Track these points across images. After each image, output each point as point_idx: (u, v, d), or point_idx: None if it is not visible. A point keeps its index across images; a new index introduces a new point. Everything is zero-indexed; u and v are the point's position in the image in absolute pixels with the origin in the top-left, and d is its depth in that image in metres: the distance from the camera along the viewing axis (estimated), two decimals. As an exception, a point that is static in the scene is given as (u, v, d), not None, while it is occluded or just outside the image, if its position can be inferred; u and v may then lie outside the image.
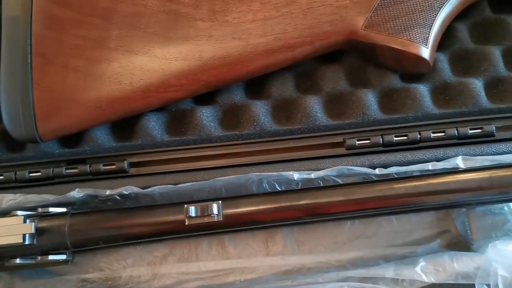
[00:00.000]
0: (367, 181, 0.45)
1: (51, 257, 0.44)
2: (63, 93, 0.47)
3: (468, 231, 0.48)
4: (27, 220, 0.43)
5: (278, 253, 0.49)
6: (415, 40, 0.48)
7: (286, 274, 0.48)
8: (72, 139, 0.50)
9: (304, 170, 0.47)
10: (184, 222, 0.43)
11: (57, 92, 0.47)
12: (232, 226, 0.43)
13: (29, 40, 0.47)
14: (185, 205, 0.43)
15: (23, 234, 0.42)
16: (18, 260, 0.43)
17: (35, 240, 0.42)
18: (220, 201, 0.43)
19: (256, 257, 0.49)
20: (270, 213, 0.43)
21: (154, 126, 0.50)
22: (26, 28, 0.47)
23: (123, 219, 0.44)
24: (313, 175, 0.47)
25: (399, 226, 0.49)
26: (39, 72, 0.47)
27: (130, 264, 0.50)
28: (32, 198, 0.46)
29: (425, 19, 0.48)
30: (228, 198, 0.44)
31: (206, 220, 0.42)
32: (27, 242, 0.42)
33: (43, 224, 0.43)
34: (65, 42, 0.47)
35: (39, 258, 0.44)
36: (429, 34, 0.48)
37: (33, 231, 0.42)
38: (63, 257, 0.44)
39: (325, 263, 0.48)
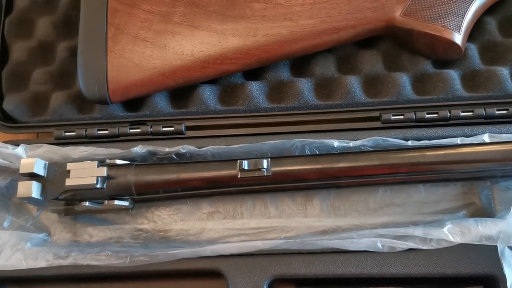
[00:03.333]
0: (401, 148, 0.50)
1: (116, 202, 0.49)
2: (132, 59, 0.53)
3: (492, 203, 0.52)
4: (100, 166, 0.48)
5: (316, 215, 0.54)
6: (449, 27, 0.53)
7: (323, 234, 0.53)
8: (134, 104, 0.56)
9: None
10: (237, 175, 0.48)
11: (127, 58, 0.53)
12: (278, 182, 0.48)
13: (105, 12, 0.53)
14: (238, 161, 0.48)
15: (97, 177, 0.47)
16: (87, 203, 0.49)
17: (105, 184, 0.48)
18: (269, 158, 0.48)
19: (295, 218, 0.54)
20: (312, 172, 0.48)
21: (208, 95, 0.56)
22: (103, 2, 0.53)
23: (182, 171, 0.49)
24: (351, 143, 0.52)
25: (427, 197, 0.54)
26: (113, 40, 0.53)
27: (180, 218, 0.55)
28: (101, 150, 0.52)
29: (459, 8, 0.53)
30: (276, 157, 0.49)
31: (256, 174, 0.48)
32: (98, 185, 0.47)
33: (112, 171, 0.49)
34: (136, 16, 0.54)
35: (106, 202, 0.49)
36: (461, 22, 0.53)
37: (105, 174, 0.47)
38: (126, 203, 0.50)
39: (358, 225, 0.53)
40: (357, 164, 0.48)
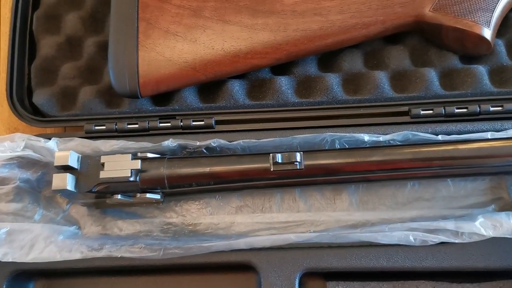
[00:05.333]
0: (433, 142, 0.50)
1: (148, 195, 0.49)
2: (163, 54, 0.53)
3: (521, 198, 0.52)
4: (133, 159, 0.48)
5: (344, 209, 0.54)
6: (479, 22, 0.53)
7: (352, 227, 0.53)
8: (163, 98, 0.57)
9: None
10: (270, 168, 0.48)
11: (158, 53, 0.53)
12: (311, 176, 0.49)
13: (136, 7, 0.53)
14: (271, 154, 0.48)
15: (131, 170, 0.47)
16: (119, 196, 0.49)
17: (138, 177, 0.48)
18: (301, 152, 0.48)
19: (324, 212, 0.54)
20: (345, 166, 0.49)
21: (237, 90, 0.56)
22: (134, -3, 0.54)
23: (215, 164, 0.49)
24: (381, 138, 0.52)
25: (456, 191, 0.54)
26: (144, 35, 0.53)
27: (209, 212, 0.55)
28: (132, 144, 0.52)
29: (488, 4, 0.53)
30: (308, 150, 0.49)
31: (289, 167, 0.48)
32: (132, 178, 0.48)
33: (145, 165, 0.49)
34: (167, 10, 0.54)
35: (138, 195, 0.49)
36: (491, 18, 0.53)
37: (139, 167, 0.48)
38: (157, 196, 0.50)
39: (387, 219, 0.53)
40: (391, 158, 0.49)
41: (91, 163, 0.49)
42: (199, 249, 0.48)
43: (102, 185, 0.48)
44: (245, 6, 0.54)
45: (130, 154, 0.49)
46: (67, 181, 0.47)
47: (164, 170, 0.49)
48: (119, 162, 0.48)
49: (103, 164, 0.48)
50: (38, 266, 0.50)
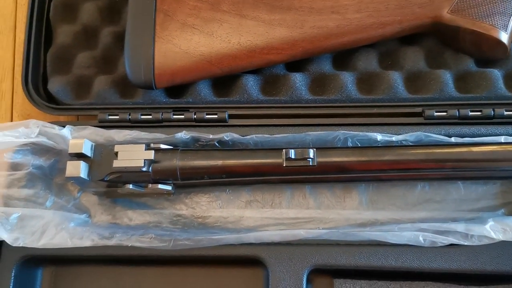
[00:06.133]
0: (447, 144, 0.50)
1: (160, 186, 0.50)
2: (179, 46, 0.53)
3: (532, 203, 0.52)
4: (147, 149, 0.49)
5: (354, 208, 0.54)
6: (496, 26, 0.53)
7: (361, 226, 0.53)
8: (177, 90, 0.57)
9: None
10: (282, 164, 0.48)
11: (174, 45, 0.53)
12: (323, 173, 0.49)
13: (154, -2, 0.54)
14: (284, 149, 0.48)
15: (144, 160, 0.48)
16: (131, 186, 0.49)
17: (150, 168, 0.49)
18: (315, 149, 0.48)
19: (334, 210, 0.54)
20: (358, 164, 0.49)
21: (252, 85, 0.56)
22: (153, -12, 0.54)
23: (227, 158, 0.49)
24: (394, 138, 0.52)
25: (466, 195, 0.54)
26: (161, 26, 0.53)
27: (219, 205, 0.55)
28: (145, 135, 0.52)
29: (506, 8, 0.53)
30: (321, 147, 0.49)
31: (301, 163, 0.48)
32: (145, 168, 0.48)
33: (158, 156, 0.49)
34: (184, 2, 0.54)
35: (149, 186, 0.50)
36: (509, 22, 0.53)
37: (152, 157, 0.48)
38: (168, 188, 0.50)
39: (397, 219, 0.53)
40: (403, 158, 0.49)
41: (104, 152, 0.50)
42: (209, 242, 0.49)
43: (115, 174, 0.48)
44: (263, 2, 0.54)
45: (144, 144, 0.49)
46: (81, 169, 0.47)
47: (177, 162, 0.49)
48: (133, 152, 0.48)
49: (116, 154, 0.49)
50: (48, 252, 0.50)
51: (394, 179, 0.51)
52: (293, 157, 0.48)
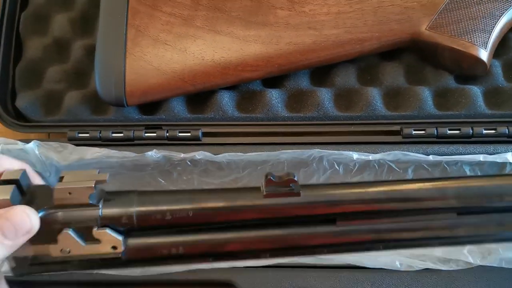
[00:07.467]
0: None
1: (108, 230, 0.38)
2: (151, 63, 0.51)
3: None
4: None
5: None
6: (476, 43, 0.52)
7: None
8: (151, 107, 0.55)
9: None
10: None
11: (146, 61, 0.51)
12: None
13: (125, 13, 0.52)
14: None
15: (95, 181, 0.37)
16: (70, 232, 0.37)
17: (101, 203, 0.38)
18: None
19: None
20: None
21: (226, 102, 0.55)
22: (124, 2, 0.52)
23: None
24: (371, 157, 0.51)
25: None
26: (132, 42, 0.52)
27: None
28: (115, 153, 0.51)
29: (486, 25, 0.52)
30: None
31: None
32: (95, 198, 0.38)
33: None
34: (157, 18, 0.52)
35: (94, 230, 0.37)
36: (488, 39, 0.52)
37: (106, 179, 0.38)
38: (119, 237, 0.38)
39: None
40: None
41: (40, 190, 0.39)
42: (180, 266, 0.47)
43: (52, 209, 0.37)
44: (237, 17, 0.53)
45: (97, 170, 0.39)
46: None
47: (134, 204, 0.39)
48: (82, 175, 0.38)
49: (61, 178, 0.38)
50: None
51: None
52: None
